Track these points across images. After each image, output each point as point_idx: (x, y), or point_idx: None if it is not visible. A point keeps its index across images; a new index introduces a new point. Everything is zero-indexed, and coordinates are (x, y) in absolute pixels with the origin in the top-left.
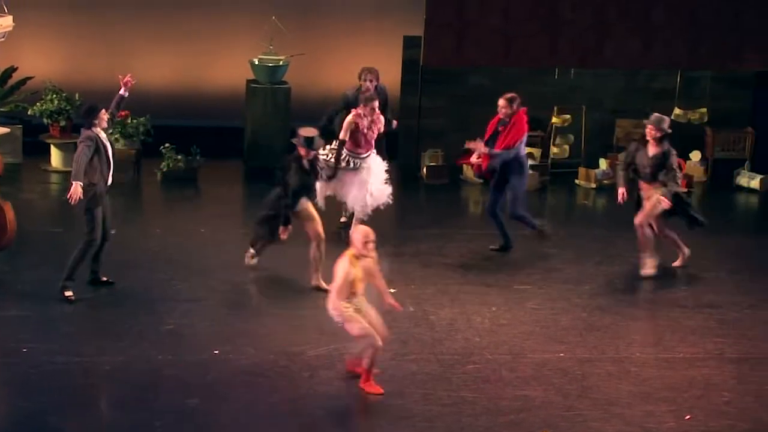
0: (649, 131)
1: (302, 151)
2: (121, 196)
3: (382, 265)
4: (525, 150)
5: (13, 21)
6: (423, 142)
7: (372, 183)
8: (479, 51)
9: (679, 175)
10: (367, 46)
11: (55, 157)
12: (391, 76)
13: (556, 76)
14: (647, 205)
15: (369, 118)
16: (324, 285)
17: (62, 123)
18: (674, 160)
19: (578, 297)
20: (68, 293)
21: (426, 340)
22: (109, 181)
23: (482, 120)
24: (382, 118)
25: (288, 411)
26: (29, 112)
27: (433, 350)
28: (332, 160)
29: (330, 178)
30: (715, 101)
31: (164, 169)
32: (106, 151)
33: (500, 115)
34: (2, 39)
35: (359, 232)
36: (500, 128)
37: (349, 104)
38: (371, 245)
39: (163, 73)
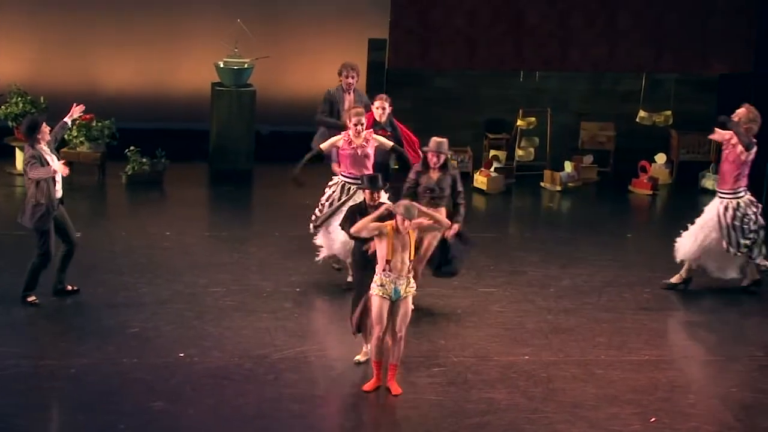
0: (431, 158)
1: (367, 196)
2: (86, 199)
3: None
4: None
5: None
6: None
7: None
8: (444, 54)
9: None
10: (332, 49)
11: (20, 161)
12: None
13: (521, 79)
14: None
15: (358, 134)
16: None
17: None
18: (460, 184)
19: (543, 300)
20: (31, 298)
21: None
22: (59, 194)
23: (448, 122)
24: (376, 137)
25: (253, 414)
26: None
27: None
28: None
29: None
30: (680, 104)
31: (129, 172)
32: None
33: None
34: None
35: (400, 207)
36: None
37: (333, 103)
38: (408, 223)
39: (128, 76)
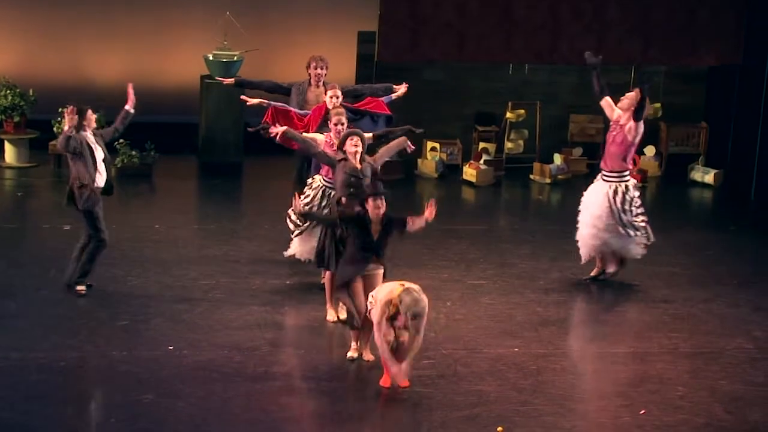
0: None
1: (370, 204)
2: None
3: None
4: None
5: None
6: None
7: None
8: (434, 46)
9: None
10: (322, 42)
11: (9, 153)
12: (346, 71)
13: (510, 72)
14: None
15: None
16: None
17: (16, 119)
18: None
19: (533, 292)
20: (80, 287)
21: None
22: (97, 184)
23: (437, 115)
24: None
25: (242, 407)
26: None
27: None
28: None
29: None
30: (669, 96)
31: (119, 165)
32: (92, 154)
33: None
34: None
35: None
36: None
37: (278, 89)
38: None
39: (117, 69)
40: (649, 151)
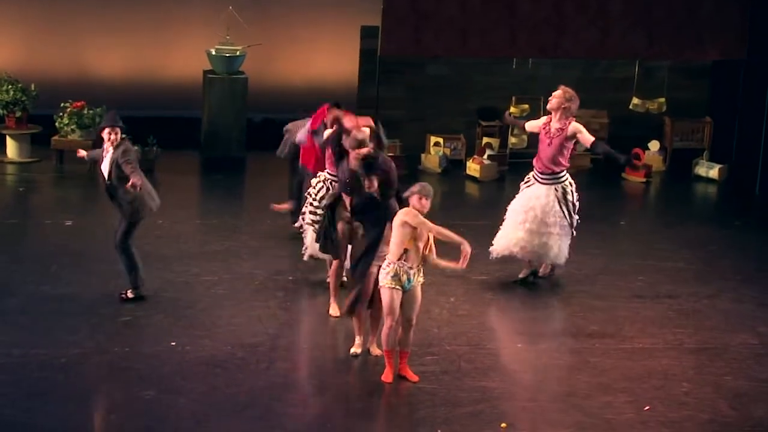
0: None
1: (367, 183)
2: (78, 188)
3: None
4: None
5: None
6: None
7: None
8: (437, 41)
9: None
10: (325, 36)
11: (11, 148)
12: (349, 66)
13: (514, 66)
14: None
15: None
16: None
17: (18, 114)
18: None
19: (538, 288)
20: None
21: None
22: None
23: (441, 110)
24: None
25: (245, 403)
26: None
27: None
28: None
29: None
30: (673, 91)
31: None
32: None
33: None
34: None
35: (416, 187)
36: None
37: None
38: (426, 202)
39: (120, 63)
40: (654, 146)
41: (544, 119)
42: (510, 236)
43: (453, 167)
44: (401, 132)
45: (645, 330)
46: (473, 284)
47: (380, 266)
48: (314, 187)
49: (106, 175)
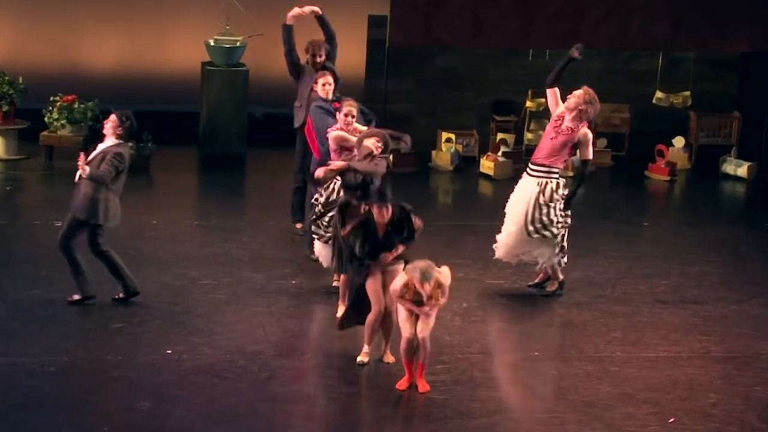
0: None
1: (375, 211)
2: (68, 186)
3: None
4: None
5: None
6: (389, 128)
7: None
8: (448, 31)
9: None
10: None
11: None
12: (356, 57)
13: (530, 58)
14: None
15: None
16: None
17: (5, 108)
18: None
19: (555, 293)
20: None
21: (393, 339)
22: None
23: (452, 104)
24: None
25: (246, 414)
26: None
27: (399, 349)
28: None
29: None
30: (699, 84)
31: None
32: None
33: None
34: None
35: (417, 273)
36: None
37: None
38: (428, 287)
39: (112, 55)
40: (678, 142)
41: (562, 108)
42: (503, 242)
43: (465, 165)
44: (410, 127)
45: (669, 337)
46: (487, 289)
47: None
48: (318, 194)
49: (88, 158)
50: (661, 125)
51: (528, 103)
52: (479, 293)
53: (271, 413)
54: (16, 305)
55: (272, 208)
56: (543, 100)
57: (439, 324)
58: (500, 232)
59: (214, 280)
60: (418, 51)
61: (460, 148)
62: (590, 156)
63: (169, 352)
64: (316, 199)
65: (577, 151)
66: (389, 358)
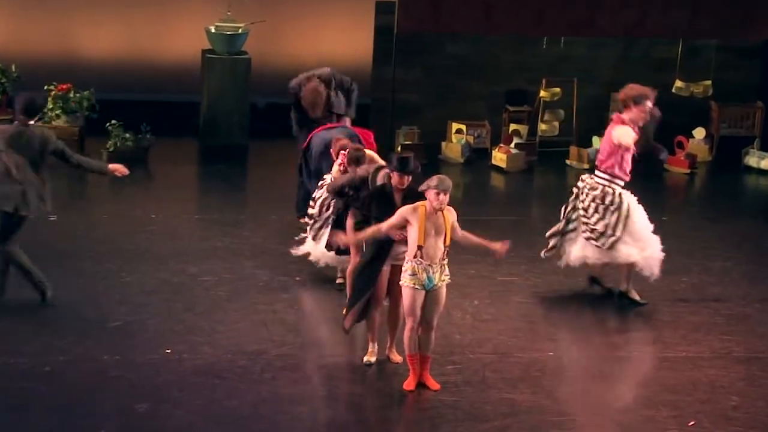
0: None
1: (395, 179)
2: (63, 179)
3: None
4: None
5: None
6: (397, 118)
7: None
8: (458, 17)
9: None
10: (336, 12)
11: None
12: (362, 45)
13: (544, 45)
14: None
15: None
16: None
17: None
18: None
19: (569, 290)
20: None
21: (400, 337)
22: None
23: (462, 93)
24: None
25: (248, 416)
26: None
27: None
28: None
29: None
30: (721, 73)
31: (111, 149)
32: None
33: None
34: None
35: (432, 180)
36: None
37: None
38: (444, 197)
39: (109, 42)
40: (699, 133)
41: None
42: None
43: (477, 157)
44: (419, 118)
45: (689, 337)
46: (499, 286)
47: (393, 265)
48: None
49: None
50: (680, 116)
51: (542, 93)
52: (491, 291)
53: (273, 415)
54: (8, 303)
55: (275, 201)
56: (558, 89)
57: (449, 322)
58: (513, 226)
59: (214, 276)
60: (427, 38)
61: (471, 139)
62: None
63: (169, 351)
64: (314, 199)
65: (599, 145)
66: (396, 357)
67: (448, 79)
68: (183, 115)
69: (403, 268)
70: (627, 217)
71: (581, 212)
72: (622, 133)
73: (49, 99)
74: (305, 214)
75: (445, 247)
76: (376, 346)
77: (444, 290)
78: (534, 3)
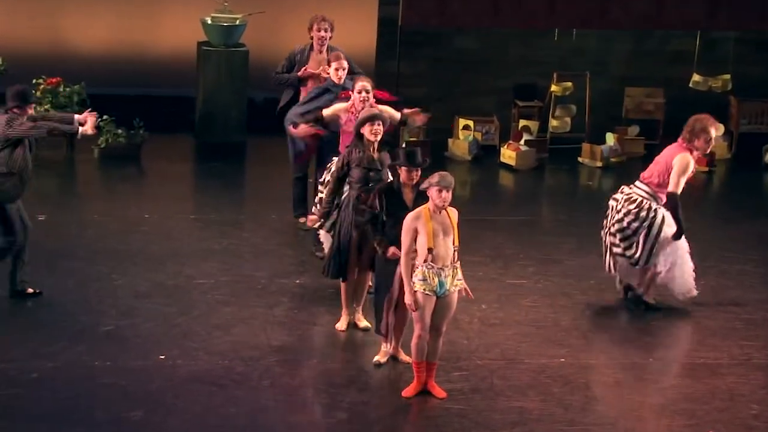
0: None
1: (404, 174)
2: (54, 177)
3: None
4: None
5: None
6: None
7: None
8: (466, 9)
9: None
10: (338, 3)
11: None
12: (366, 37)
13: (555, 38)
14: None
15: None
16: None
17: None
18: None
19: (581, 293)
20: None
21: (405, 342)
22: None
23: (470, 88)
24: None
25: (245, 425)
26: None
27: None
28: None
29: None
30: (740, 66)
31: (102, 145)
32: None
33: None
34: None
35: (434, 177)
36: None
37: (294, 62)
38: (447, 194)
39: (100, 34)
40: (718, 130)
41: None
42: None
43: (485, 154)
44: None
45: (707, 342)
46: (507, 289)
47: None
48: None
49: None
50: (698, 111)
51: (553, 87)
52: (499, 294)
53: (272, 424)
54: None
55: (274, 200)
56: (569, 83)
57: (455, 327)
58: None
59: (211, 279)
60: (433, 31)
61: (479, 135)
62: (676, 188)
63: (163, 357)
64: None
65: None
66: (404, 357)
67: (455, 74)
68: (178, 111)
69: (414, 274)
70: (658, 233)
71: (614, 223)
72: (689, 164)
73: (38, 92)
74: (303, 213)
75: (454, 247)
76: (389, 347)
77: (455, 296)
78: None
